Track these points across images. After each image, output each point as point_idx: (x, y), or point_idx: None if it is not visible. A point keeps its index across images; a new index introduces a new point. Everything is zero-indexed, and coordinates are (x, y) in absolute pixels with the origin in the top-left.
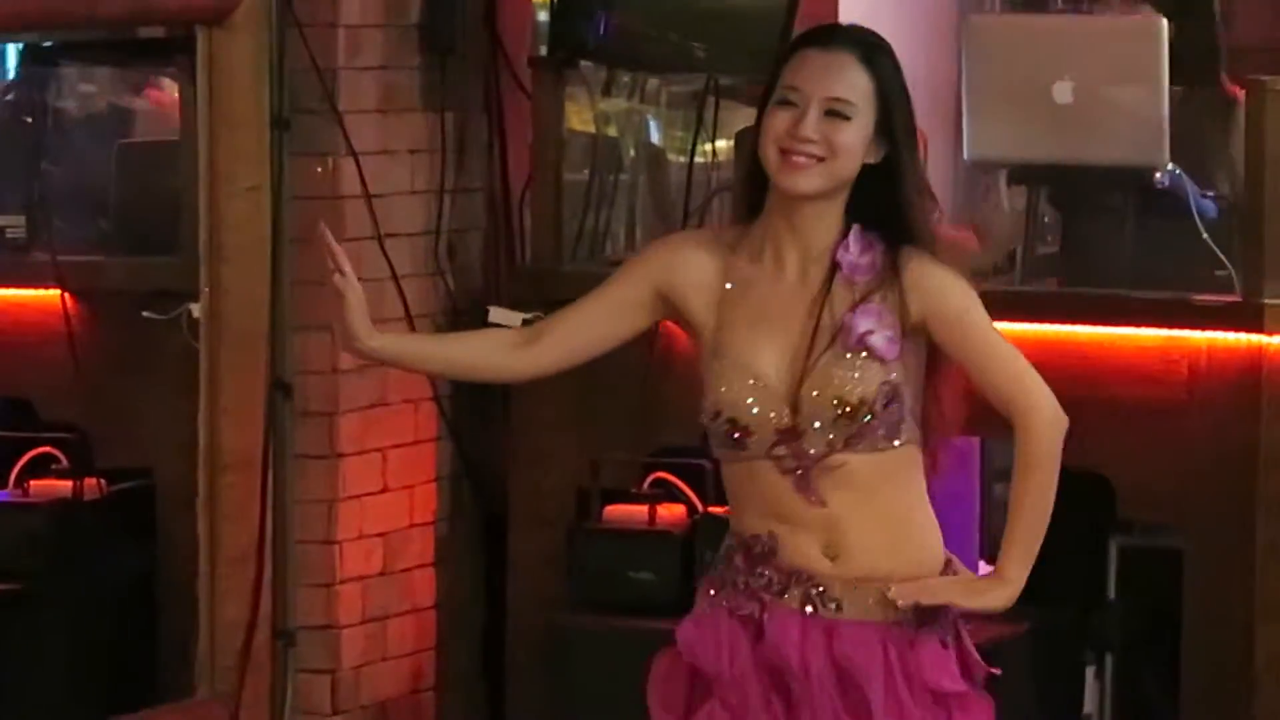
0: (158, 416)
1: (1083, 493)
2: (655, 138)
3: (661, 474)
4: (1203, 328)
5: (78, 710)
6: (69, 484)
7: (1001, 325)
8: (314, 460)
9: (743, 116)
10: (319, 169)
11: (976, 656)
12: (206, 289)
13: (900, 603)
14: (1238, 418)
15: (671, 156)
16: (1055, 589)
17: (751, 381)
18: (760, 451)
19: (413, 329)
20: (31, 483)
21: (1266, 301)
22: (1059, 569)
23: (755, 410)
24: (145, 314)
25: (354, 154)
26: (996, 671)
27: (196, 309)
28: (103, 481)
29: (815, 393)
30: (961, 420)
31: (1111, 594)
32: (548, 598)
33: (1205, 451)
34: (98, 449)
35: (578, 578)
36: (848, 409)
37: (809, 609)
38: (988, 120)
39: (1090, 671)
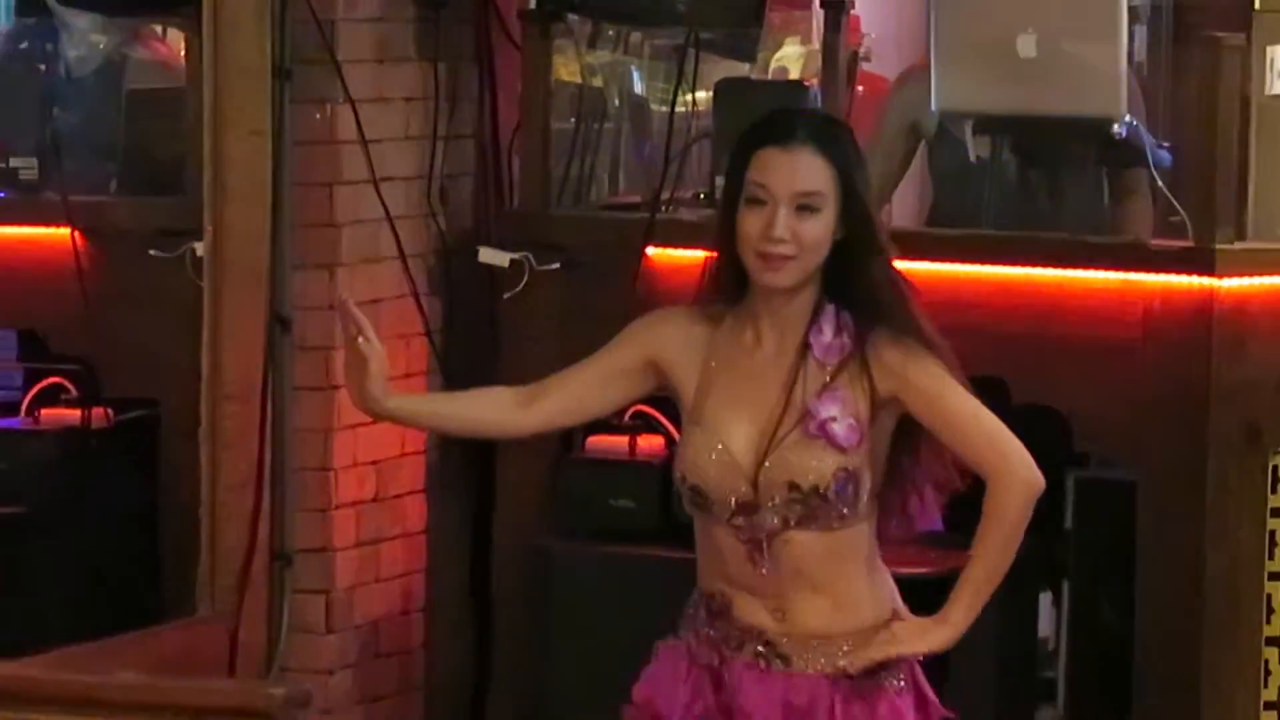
0: (163, 349)
1: (1041, 428)
2: (638, 88)
3: (641, 407)
4: (1157, 271)
5: (85, 628)
6: (78, 413)
7: (967, 268)
8: (311, 391)
9: (721, 69)
10: (318, 115)
11: (934, 698)
12: (210, 228)
13: (854, 669)
14: (1189, 357)
15: (654, 106)
16: None
17: (716, 456)
18: (721, 518)
19: (406, 268)
20: (42, 411)
21: (1217, 247)
22: None
23: (717, 482)
24: (151, 252)
25: (351, 101)
26: (953, 715)
27: (200, 247)
28: (110, 411)
29: (773, 473)
30: (941, 508)
31: (1068, 524)
32: (532, 524)
33: (1158, 389)
34: (105, 380)
35: (561, 505)
36: (801, 492)
37: (762, 663)
38: (955, 73)
39: (1047, 598)
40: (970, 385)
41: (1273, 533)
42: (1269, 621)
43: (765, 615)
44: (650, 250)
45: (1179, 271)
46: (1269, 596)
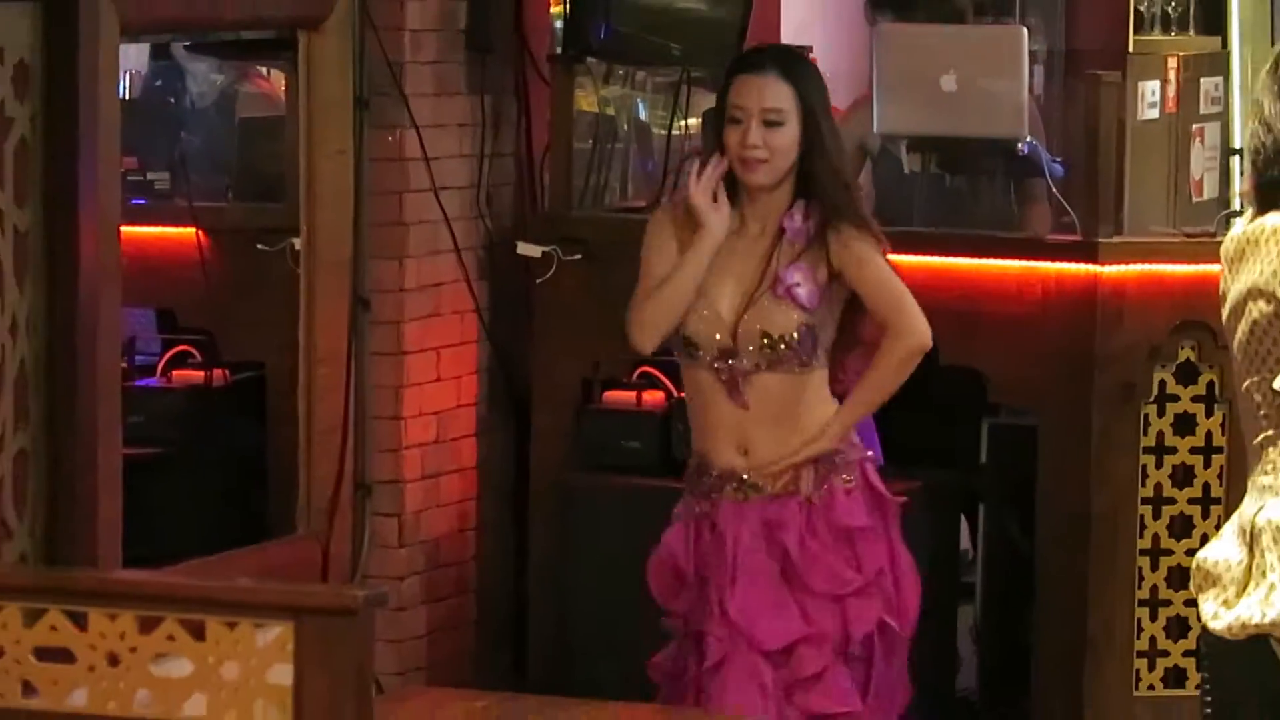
0: (268, 323)
1: (962, 384)
2: (643, 115)
3: (646, 368)
4: (1053, 260)
5: (209, 544)
6: (201, 374)
7: (902, 258)
8: (385, 357)
9: (708, 100)
10: (389, 138)
11: (885, 493)
12: (305, 227)
13: (788, 470)
14: (1078, 328)
15: (655, 130)
16: (942, 457)
17: (706, 312)
18: (706, 362)
19: (460, 259)
20: (174, 373)
21: (1100, 240)
22: (945, 442)
23: (705, 334)
24: (259, 246)
25: (416, 127)
26: (904, 499)
27: (297, 243)
28: (227, 372)
29: (749, 324)
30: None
31: (983, 460)
32: (560, 461)
33: (1054, 353)
34: (223, 347)
35: (582, 446)
36: (771, 339)
37: (740, 496)
38: (892, 104)
39: (966, 520)
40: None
41: (1144, 466)
42: (1141, 536)
43: (734, 455)
44: None
45: (1070, 260)
46: (1141, 517)
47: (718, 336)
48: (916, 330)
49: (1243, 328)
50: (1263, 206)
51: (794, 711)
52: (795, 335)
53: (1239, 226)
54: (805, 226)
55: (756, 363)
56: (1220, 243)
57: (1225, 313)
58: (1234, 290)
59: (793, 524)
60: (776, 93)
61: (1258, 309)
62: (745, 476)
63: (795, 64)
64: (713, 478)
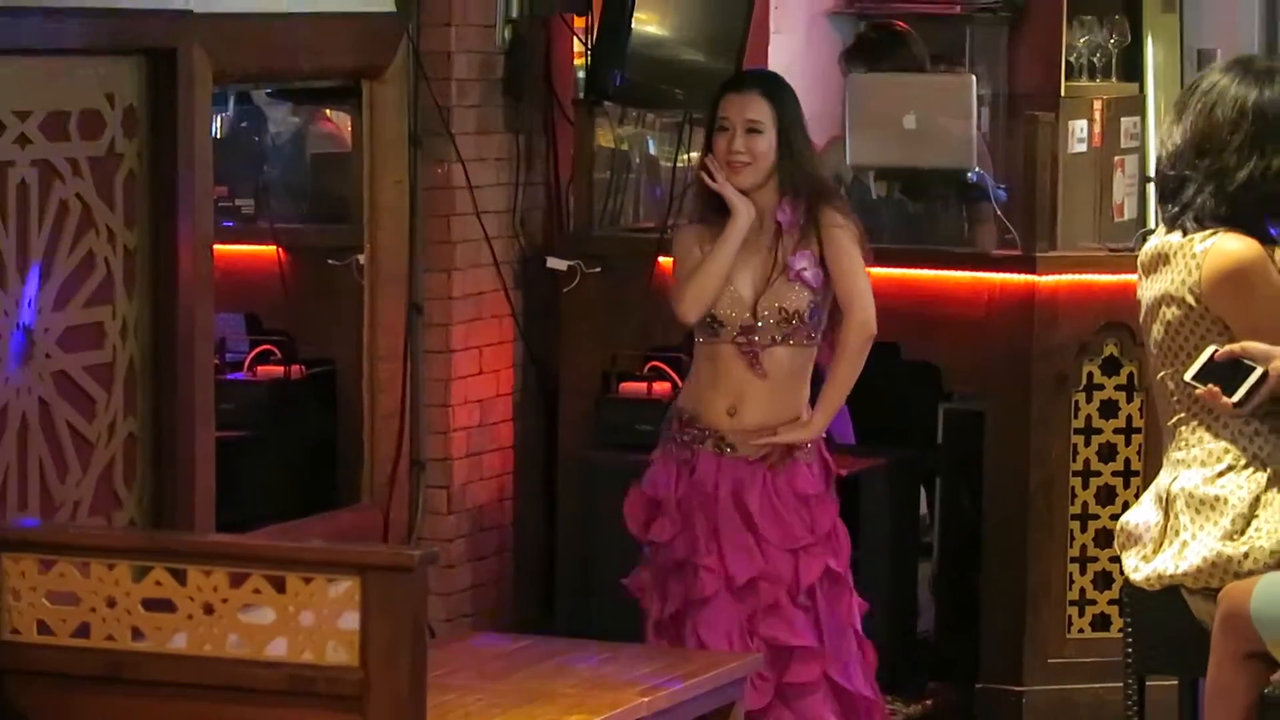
0: (338, 326)
1: (921, 374)
2: (652, 150)
3: (655, 363)
4: (997, 271)
5: (288, 512)
6: (281, 369)
7: (871, 270)
8: (436, 354)
9: None
10: (439, 170)
11: (831, 463)
12: (368, 245)
13: (766, 446)
14: (1018, 328)
15: (662, 162)
16: (903, 437)
17: (729, 295)
18: (728, 338)
19: (499, 271)
20: (258, 368)
21: (1037, 254)
22: (906, 424)
23: (730, 312)
24: (329, 261)
25: (461, 161)
26: (842, 472)
27: (362, 258)
28: (303, 367)
29: (768, 302)
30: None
31: (939, 439)
32: (583, 441)
33: (999, 349)
34: (300, 347)
35: (602, 428)
36: (787, 314)
37: (717, 451)
38: (862, 139)
39: (925, 490)
40: (869, 251)
41: (1074, 445)
42: (1072, 503)
43: (721, 416)
44: (661, 258)
45: (1011, 271)
46: (1072, 487)
47: (741, 315)
48: (867, 320)
49: (1157, 328)
50: (1170, 225)
51: (758, 644)
52: (806, 311)
53: (1152, 241)
54: (795, 217)
55: (773, 336)
56: (1137, 256)
57: (1141, 314)
58: (1148, 295)
59: (757, 486)
60: (757, 107)
61: (1170, 312)
62: (726, 436)
63: (773, 85)
64: (698, 431)
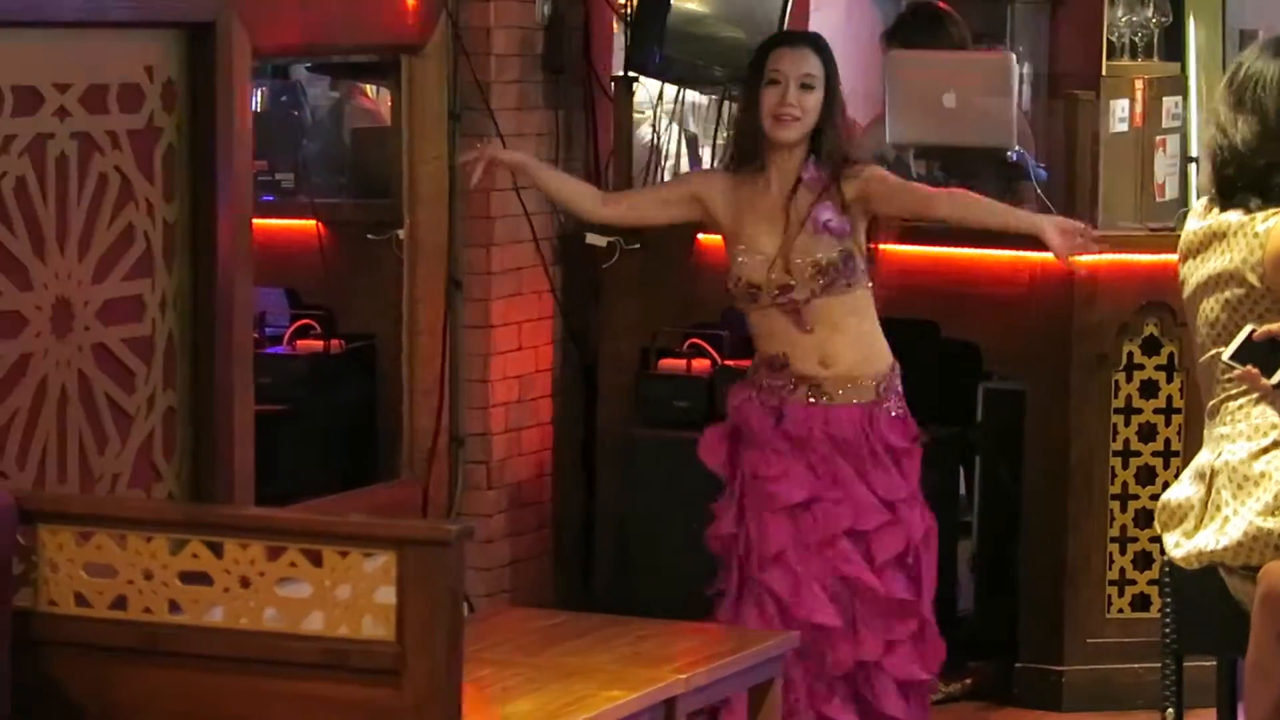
0: (377, 300)
1: (962, 354)
2: (691, 126)
3: (695, 340)
4: (1037, 249)
5: (326, 486)
6: (321, 343)
7: (911, 248)
8: (475, 329)
9: None
10: (478, 144)
11: (913, 422)
12: (407, 220)
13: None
14: (1058, 307)
15: (701, 139)
16: (945, 415)
17: (760, 259)
18: (768, 301)
19: (538, 247)
20: (298, 342)
21: None
22: (947, 403)
23: (763, 275)
24: (369, 236)
25: (500, 136)
26: (923, 436)
27: (402, 233)
28: (342, 342)
29: (799, 259)
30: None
31: (979, 418)
32: (622, 417)
33: (1039, 328)
34: (339, 321)
35: (641, 404)
36: (820, 266)
37: (811, 399)
38: (903, 118)
39: (964, 468)
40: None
41: (1114, 425)
42: (1112, 483)
43: (815, 365)
44: (699, 235)
45: None
46: (1112, 467)
47: (774, 276)
48: (943, 190)
49: (1212, 306)
50: (1224, 203)
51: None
52: (839, 260)
53: (1193, 221)
54: (820, 174)
55: (811, 289)
56: (1179, 236)
57: (1186, 295)
58: (1196, 276)
59: (854, 438)
60: (813, 62)
61: (1230, 291)
62: (819, 385)
63: (822, 44)
64: (789, 379)
